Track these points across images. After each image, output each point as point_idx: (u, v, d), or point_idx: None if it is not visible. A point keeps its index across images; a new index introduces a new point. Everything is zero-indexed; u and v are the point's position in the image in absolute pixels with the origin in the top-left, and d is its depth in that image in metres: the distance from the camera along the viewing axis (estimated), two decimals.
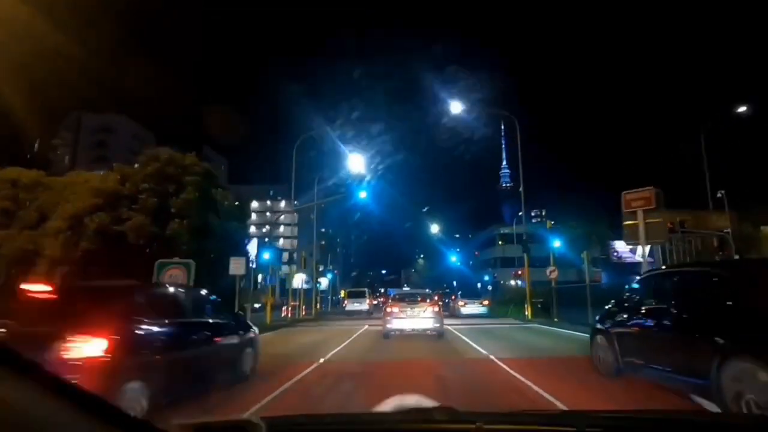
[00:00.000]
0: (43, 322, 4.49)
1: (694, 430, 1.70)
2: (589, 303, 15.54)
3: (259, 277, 31.28)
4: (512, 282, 49.77)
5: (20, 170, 22.87)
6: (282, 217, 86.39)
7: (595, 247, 38.10)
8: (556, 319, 18.62)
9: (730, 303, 4.74)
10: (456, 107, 23.83)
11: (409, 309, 13.04)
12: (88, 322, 4.38)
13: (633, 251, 38.22)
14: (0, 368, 0.83)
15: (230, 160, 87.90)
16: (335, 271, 72.36)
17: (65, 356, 4.08)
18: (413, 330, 12.80)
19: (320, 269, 47.80)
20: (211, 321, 6.60)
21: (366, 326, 17.43)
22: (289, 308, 25.74)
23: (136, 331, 4.87)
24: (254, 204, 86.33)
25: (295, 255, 30.99)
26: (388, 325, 12.94)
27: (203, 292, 7.28)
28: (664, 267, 13.36)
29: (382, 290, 74.34)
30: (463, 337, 12.97)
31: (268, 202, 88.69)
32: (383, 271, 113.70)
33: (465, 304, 25.44)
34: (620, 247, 41.09)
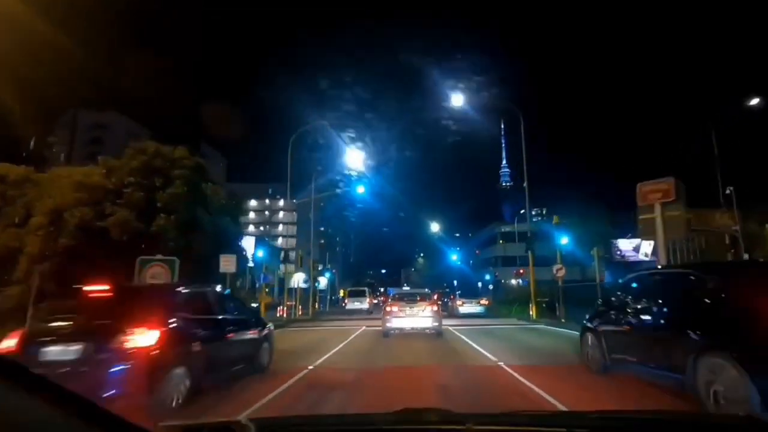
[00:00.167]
0: (103, 317, 5.18)
1: (681, 430, 1.71)
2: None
3: (265, 277, 30.71)
4: (513, 281, 49.15)
5: (9, 166, 22.32)
6: (281, 215, 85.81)
7: (598, 245, 37.53)
8: (563, 320, 17.77)
9: (708, 303, 5.03)
10: (458, 100, 23.07)
11: (408, 308, 13.14)
12: (142, 316, 5.07)
13: (636, 250, 37.63)
14: None
15: (229, 159, 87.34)
16: (333, 270, 71.71)
17: (125, 346, 4.73)
18: (412, 329, 12.91)
19: (319, 268, 47.15)
20: (236, 317, 7.30)
21: (363, 327, 16.58)
22: (284, 308, 24.98)
23: (180, 325, 5.53)
24: (253, 202, 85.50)
25: (292, 254, 30.26)
26: (388, 324, 13.08)
27: (227, 291, 8.48)
28: (660, 267, 12.58)
29: (382, 290, 73.74)
30: (475, 345, 11.23)
31: (267, 201, 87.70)
32: (383, 271, 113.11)
33: (463, 303, 25.75)
34: (623, 245, 40.46)
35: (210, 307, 6.65)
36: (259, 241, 40.26)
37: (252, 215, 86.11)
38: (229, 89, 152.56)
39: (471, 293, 30.40)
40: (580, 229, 38.11)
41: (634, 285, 6.95)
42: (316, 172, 29.58)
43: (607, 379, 6.60)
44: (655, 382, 5.58)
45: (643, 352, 5.81)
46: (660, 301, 5.85)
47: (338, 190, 28.23)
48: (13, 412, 0.82)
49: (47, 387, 0.91)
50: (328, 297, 50.91)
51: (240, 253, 21.73)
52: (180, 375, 5.14)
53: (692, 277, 5.66)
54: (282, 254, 29.54)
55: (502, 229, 60.37)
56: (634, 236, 35.75)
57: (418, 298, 13.74)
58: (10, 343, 4.92)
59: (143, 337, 4.83)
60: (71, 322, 5.25)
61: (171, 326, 5.30)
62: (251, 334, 7.47)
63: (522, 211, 56.88)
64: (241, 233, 23.68)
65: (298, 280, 28.86)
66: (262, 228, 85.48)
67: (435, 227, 54.69)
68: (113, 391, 4.48)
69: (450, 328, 15.63)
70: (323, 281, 49.82)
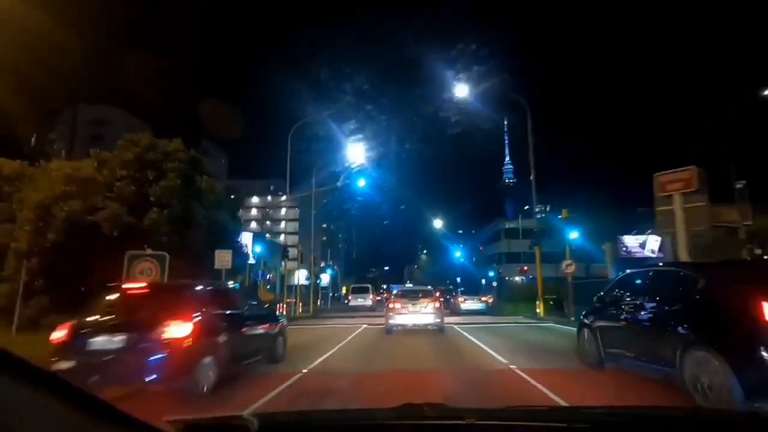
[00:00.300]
0: (142, 311, 5.82)
1: (679, 425, 1.72)
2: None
3: (263, 274, 30.22)
4: (518, 278, 48.46)
5: (3, 161, 21.91)
6: (283, 212, 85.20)
7: (604, 241, 37.15)
8: (572, 318, 17.08)
9: (696, 299, 5.19)
10: (461, 90, 22.37)
11: (410, 305, 13.19)
12: (177, 311, 5.60)
13: (642, 246, 37.03)
14: None
15: (231, 155, 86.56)
16: (335, 267, 71.24)
17: (162, 337, 5.25)
18: (414, 325, 13.03)
19: (321, 265, 46.66)
20: (255, 312, 7.93)
21: (364, 326, 15.97)
22: (284, 305, 24.45)
23: (209, 319, 5.99)
24: (254, 199, 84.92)
25: (293, 251, 29.71)
26: (391, 321, 13.26)
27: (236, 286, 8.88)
28: (661, 264, 12.03)
29: (385, 286, 73.28)
30: (483, 345, 10.42)
31: (269, 198, 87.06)
32: (386, 267, 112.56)
33: (464, 300, 26.16)
34: (629, 241, 39.90)
35: (234, 303, 7.32)
36: (258, 237, 39.72)
37: (254, 212, 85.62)
38: (230, 86, 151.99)
39: (473, 290, 30.66)
40: (587, 225, 37.54)
41: (628, 282, 7.14)
42: (316, 165, 28.87)
43: (641, 382, 5.88)
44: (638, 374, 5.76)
45: (635, 346, 5.97)
46: (651, 298, 6.02)
47: (339, 184, 27.59)
48: (17, 408, 0.82)
49: (52, 383, 0.90)
50: (330, 294, 50.47)
51: (239, 249, 21.12)
52: (209, 364, 5.62)
53: (681, 275, 5.86)
54: (282, 251, 29.04)
55: (506, 226, 59.72)
56: (639, 232, 35.12)
57: (421, 295, 13.74)
58: (60, 334, 5.46)
59: (178, 329, 5.35)
60: (113, 316, 5.82)
61: (201, 320, 5.74)
62: (268, 328, 8.04)
63: (526, 208, 56.28)
64: (239, 229, 23.04)
65: (299, 277, 28.38)
66: (264, 225, 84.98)
67: (438, 223, 53.96)
68: (153, 377, 5.04)
69: (455, 326, 15.10)
70: (325, 278, 49.39)
